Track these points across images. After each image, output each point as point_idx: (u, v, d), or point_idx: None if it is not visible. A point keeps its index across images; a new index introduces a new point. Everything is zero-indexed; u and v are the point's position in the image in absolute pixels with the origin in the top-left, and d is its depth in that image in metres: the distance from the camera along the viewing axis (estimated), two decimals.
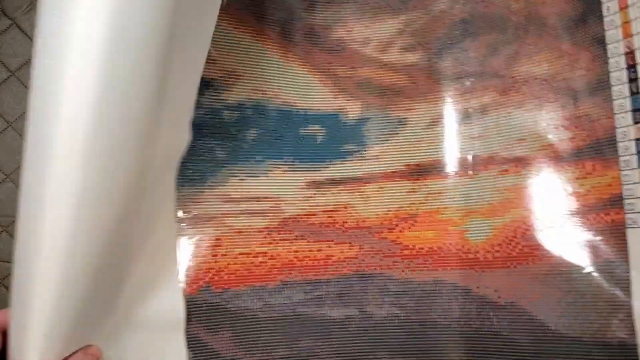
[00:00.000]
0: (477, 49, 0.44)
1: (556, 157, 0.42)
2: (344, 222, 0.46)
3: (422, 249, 0.44)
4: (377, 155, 0.46)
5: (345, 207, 0.46)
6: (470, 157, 0.44)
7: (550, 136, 0.42)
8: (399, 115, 0.46)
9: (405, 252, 0.44)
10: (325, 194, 0.46)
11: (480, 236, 0.42)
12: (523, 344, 0.40)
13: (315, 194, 0.46)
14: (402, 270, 0.44)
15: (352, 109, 0.47)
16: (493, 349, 0.41)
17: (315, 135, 0.47)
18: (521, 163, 0.43)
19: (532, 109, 0.43)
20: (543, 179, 0.42)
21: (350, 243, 0.46)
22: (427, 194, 0.44)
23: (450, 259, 0.43)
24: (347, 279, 0.45)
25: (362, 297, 0.45)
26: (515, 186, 0.42)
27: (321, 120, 0.47)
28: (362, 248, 0.45)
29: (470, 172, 0.43)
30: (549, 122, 0.42)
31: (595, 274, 0.39)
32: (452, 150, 0.44)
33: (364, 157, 0.46)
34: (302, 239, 0.46)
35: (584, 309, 0.39)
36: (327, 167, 0.47)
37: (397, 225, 0.45)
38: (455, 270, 0.43)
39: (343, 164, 0.47)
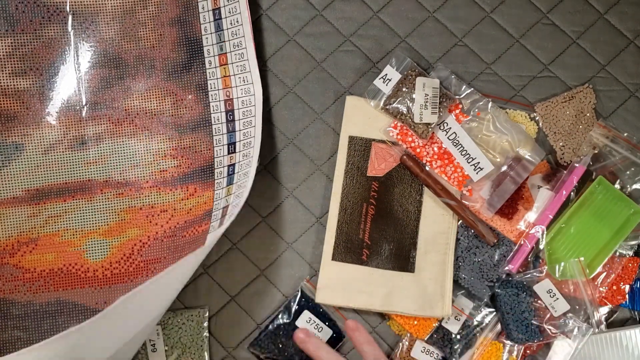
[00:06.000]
0: (90, 80, 0.47)
1: (165, 182, 0.47)
2: None
3: (43, 271, 0.45)
4: None
5: None
6: (87, 181, 0.46)
7: (160, 163, 0.47)
8: (14, 141, 0.46)
9: (27, 275, 0.45)
10: None
11: (98, 256, 0.46)
12: None
13: None
14: (24, 294, 0.45)
15: None
16: None
17: None
18: (135, 187, 0.47)
19: (144, 139, 0.47)
20: (153, 201, 0.47)
21: None
22: (48, 217, 0.46)
23: (71, 279, 0.46)
24: None
25: None
26: (130, 208, 0.47)
27: None
28: None
29: (88, 196, 0.46)
30: (158, 151, 0.48)
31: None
32: (70, 174, 0.46)
33: None
34: None
35: None
36: None
37: (18, 250, 0.45)
38: (75, 289, 0.46)
39: None
